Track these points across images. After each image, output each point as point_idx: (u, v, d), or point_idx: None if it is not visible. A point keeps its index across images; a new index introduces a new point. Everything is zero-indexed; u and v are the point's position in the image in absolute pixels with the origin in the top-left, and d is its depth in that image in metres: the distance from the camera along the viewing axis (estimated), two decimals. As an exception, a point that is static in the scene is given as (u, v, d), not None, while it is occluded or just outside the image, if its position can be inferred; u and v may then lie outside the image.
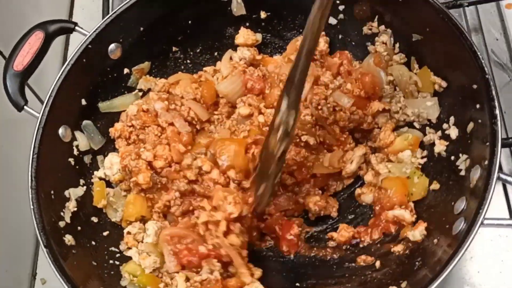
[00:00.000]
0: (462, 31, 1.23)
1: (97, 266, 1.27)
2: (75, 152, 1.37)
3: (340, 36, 1.53)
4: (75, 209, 1.30)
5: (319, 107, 1.37)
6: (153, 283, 1.26)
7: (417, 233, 1.24)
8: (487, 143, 1.14)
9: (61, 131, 1.33)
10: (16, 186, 1.33)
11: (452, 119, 1.31)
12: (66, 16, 1.90)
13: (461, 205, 1.16)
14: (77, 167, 1.37)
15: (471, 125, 1.23)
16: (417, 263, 1.18)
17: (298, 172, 1.37)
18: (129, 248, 1.33)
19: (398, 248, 1.26)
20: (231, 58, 1.54)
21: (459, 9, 1.65)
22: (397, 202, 1.31)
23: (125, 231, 1.35)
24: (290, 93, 1.13)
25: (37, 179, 1.23)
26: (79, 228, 1.30)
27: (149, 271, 1.28)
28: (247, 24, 1.56)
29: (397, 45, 1.44)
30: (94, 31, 1.36)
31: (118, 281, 1.28)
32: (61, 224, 1.26)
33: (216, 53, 1.59)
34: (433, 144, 1.35)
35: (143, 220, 1.37)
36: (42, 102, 1.32)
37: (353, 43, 1.51)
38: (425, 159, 1.36)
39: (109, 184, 1.41)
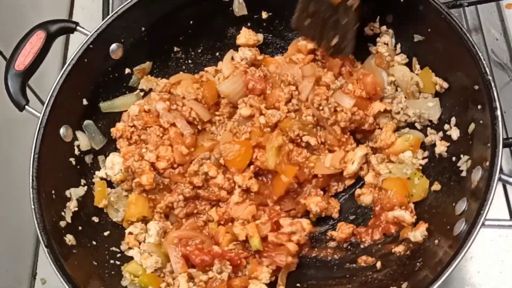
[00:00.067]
0: (464, 32, 1.24)
1: (98, 266, 1.27)
2: (76, 152, 1.37)
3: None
4: (76, 209, 1.31)
5: (321, 108, 1.37)
6: (154, 283, 1.26)
7: (418, 234, 1.24)
8: (488, 144, 1.14)
9: (62, 131, 1.33)
10: (16, 185, 1.33)
11: (453, 120, 1.31)
12: (66, 16, 1.90)
13: (462, 206, 1.17)
14: (78, 167, 1.37)
15: (472, 126, 1.23)
16: (418, 264, 1.19)
17: (300, 173, 1.37)
18: (130, 248, 1.33)
19: (399, 249, 1.26)
20: (232, 58, 1.53)
21: (459, 9, 1.65)
22: (397, 203, 1.31)
23: (126, 231, 1.35)
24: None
25: (38, 179, 1.23)
26: (80, 228, 1.30)
27: (150, 271, 1.28)
28: (249, 24, 1.56)
29: (399, 45, 1.44)
30: (96, 31, 1.36)
31: (119, 281, 1.28)
32: (62, 224, 1.26)
33: (217, 53, 1.59)
34: (434, 145, 1.35)
35: (145, 220, 1.37)
36: (43, 102, 1.32)
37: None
38: (426, 160, 1.37)
39: (110, 184, 1.41)
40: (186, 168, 1.36)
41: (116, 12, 1.39)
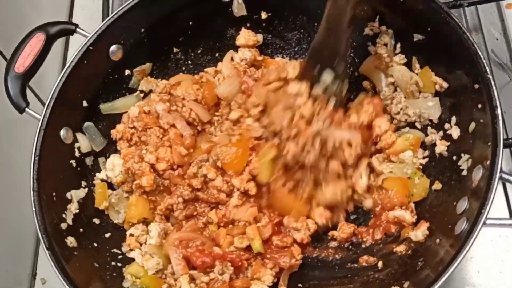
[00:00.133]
0: (464, 31, 1.24)
1: (99, 268, 1.27)
2: (77, 154, 1.37)
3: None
4: (77, 211, 1.30)
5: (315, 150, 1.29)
6: (156, 284, 1.26)
7: (419, 233, 1.24)
8: (489, 143, 1.14)
9: (62, 133, 1.33)
10: (16, 186, 1.33)
11: (454, 119, 1.31)
12: (66, 16, 1.90)
13: (463, 205, 1.17)
14: (78, 169, 1.37)
15: (472, 125, 1.23)
16: (419, 263, 1.19)
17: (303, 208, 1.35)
18: (132, 250, 1.33)
19: (400, 248, 1.27)
20: (232, 59, 1.54)
21: (459, 9, 1.65)
22: (397, 203, 1.31)
23: (127, 233, 1.35)
24: (337, 65, 1.08)
25: (39, 181, 1.23)
26: (81, 230, 1.30)
27: (152, 273, 1.27)
28: (248, 24, 1.56)
29: (398, 45, 1.44)
30: (95, 33, 1.36)
31: (121, 282, 1.27)
32: (63, 226, 1.26)
33: (217, 54, 1.58)
34: (435, 144, 1.35)
35: (145, 222, 1.37)
36: (43, 104, 1.32)
37: (354, 43, 1.51)
38: (426, 160, 1.36)
39: (110, 185, 1.41)
40: (186, 169, 1.36)
41: (116, 13, 1.38)
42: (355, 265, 1.31)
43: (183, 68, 1.58)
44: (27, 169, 1.23)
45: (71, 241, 1.24)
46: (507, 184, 1.47)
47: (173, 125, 1.40)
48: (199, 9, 1.50)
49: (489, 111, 1.17)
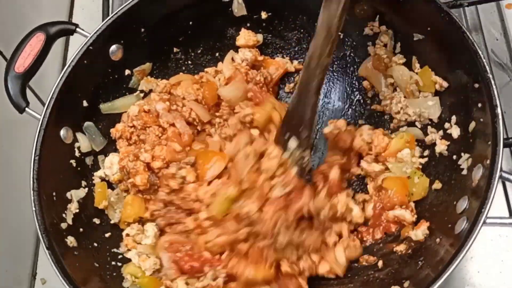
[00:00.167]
0: (464, 31, 1.24)
1: (99, 268, 1.27)
2: (77, 154, 1.37)
3: (341, 36, 1.52)
4: (77, 210, 1.30)
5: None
6: (154, 285, 1.26)
7: (419, 233, 1.24)
8: (489, 142, 1.14)
9: (62, 132, 1.33)
10: (16, 186, 1.33)
11: (454, 118, 1.31)
12: (66, 16, 1.90)
13: (463, 204, 1.17)
14: (78, 168, 1.37)
15: (472, 124, 1.23)
16: (419, 262, 1.19)
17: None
18: (129, 250, 1.33)
19: (401, 248, 1.27)
20: (232, 59, 1.54)
21: (459, 9, 1.65)
22: (397, 202, 1.31)
23: (124, 233, 1.35)
24: (301, 132, 1.08)
25: (39, 181, 1.23)
26: (81, 229, 1.30)
27: (149, 273, 1.27)
28: (248, 24, 1.56)
29: (398, 45, 1.44)
30: (95, 33, 1.36)
31: (120, 282, 1.28)
32: (63, 225, 1.26)
33: (217, 54, 1.58)
34: (435, 143, 1.35)
35: (142, 221, 1.36)
36: (43, 103, 1.32)
37: (354, 43, 1.51)
38: (426, 159, 1.36)
39: (110, 185, 1.41)
40: None
41: (116, 13, 1.38)
42: (355, 264, 1.31)
43: (183, 68, 1.58)
44: (27, 169, 1.23)
45: (71, 240, 1.24)
46: (507, 183, 1.47)
47: (172, 124, 1.40)
48: (199, 9, 1.49)
49: (489, 111, 1.17)
